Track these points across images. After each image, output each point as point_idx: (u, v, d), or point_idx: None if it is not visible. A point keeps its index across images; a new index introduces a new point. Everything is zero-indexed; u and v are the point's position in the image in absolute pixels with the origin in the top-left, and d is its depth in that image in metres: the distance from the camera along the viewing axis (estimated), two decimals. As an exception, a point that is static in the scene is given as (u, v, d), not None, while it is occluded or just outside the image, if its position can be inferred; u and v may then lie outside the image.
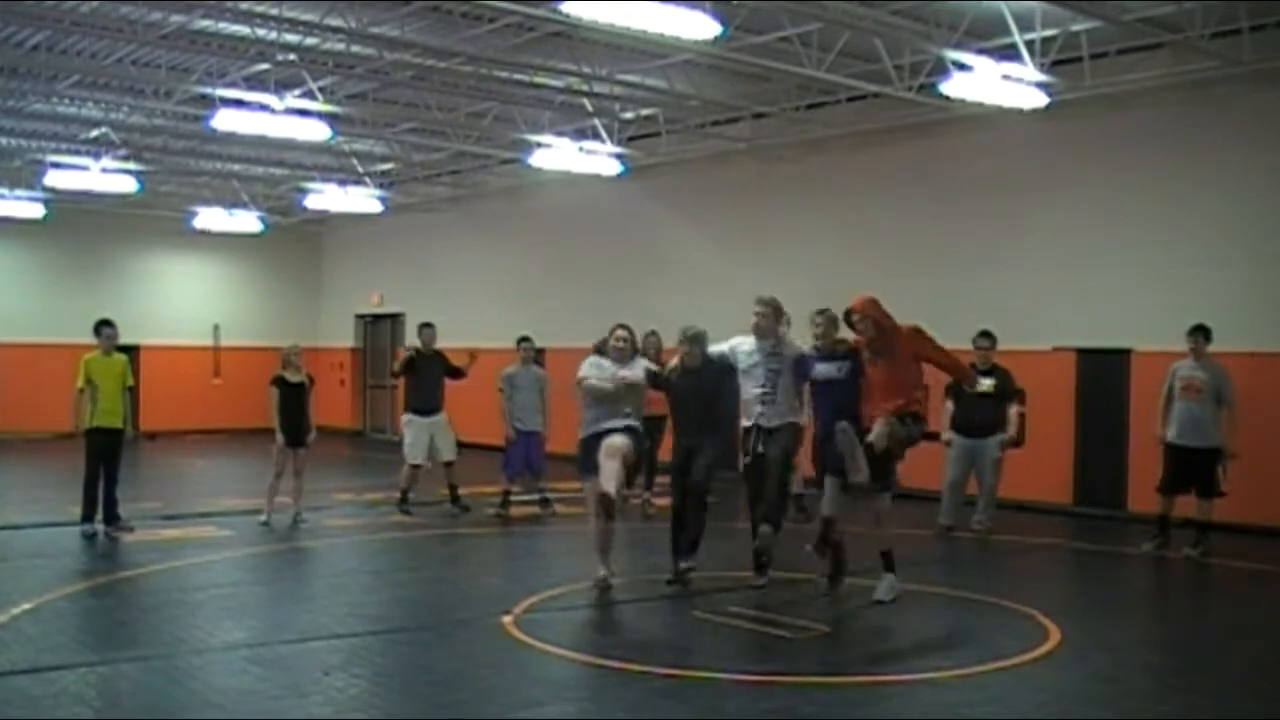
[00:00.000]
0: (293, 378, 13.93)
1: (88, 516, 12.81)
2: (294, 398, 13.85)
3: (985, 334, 13.61)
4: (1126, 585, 11.66)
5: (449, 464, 14.83)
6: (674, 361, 10.70)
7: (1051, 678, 7.81)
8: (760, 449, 10.00)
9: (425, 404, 14.77)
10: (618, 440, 9.81)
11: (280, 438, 13.76)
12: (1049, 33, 13.19)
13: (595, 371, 10.49)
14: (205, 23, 14.06)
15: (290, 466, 13.85)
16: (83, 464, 12.89)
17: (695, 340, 10.48)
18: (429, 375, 14.87)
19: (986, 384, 13.16)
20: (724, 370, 10.31)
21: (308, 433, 13.94)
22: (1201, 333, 12.48)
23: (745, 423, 10.18)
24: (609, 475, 9.55)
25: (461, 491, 15.10)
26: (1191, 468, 12.28)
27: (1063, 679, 7.77)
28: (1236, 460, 12.31)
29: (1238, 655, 8.63)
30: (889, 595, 9.63)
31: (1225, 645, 8.97)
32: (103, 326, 13.06)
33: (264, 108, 15.94)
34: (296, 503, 13.91)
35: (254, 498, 14.48)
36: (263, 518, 13.66)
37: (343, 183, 23.48)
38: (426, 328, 15.26)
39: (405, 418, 15.02)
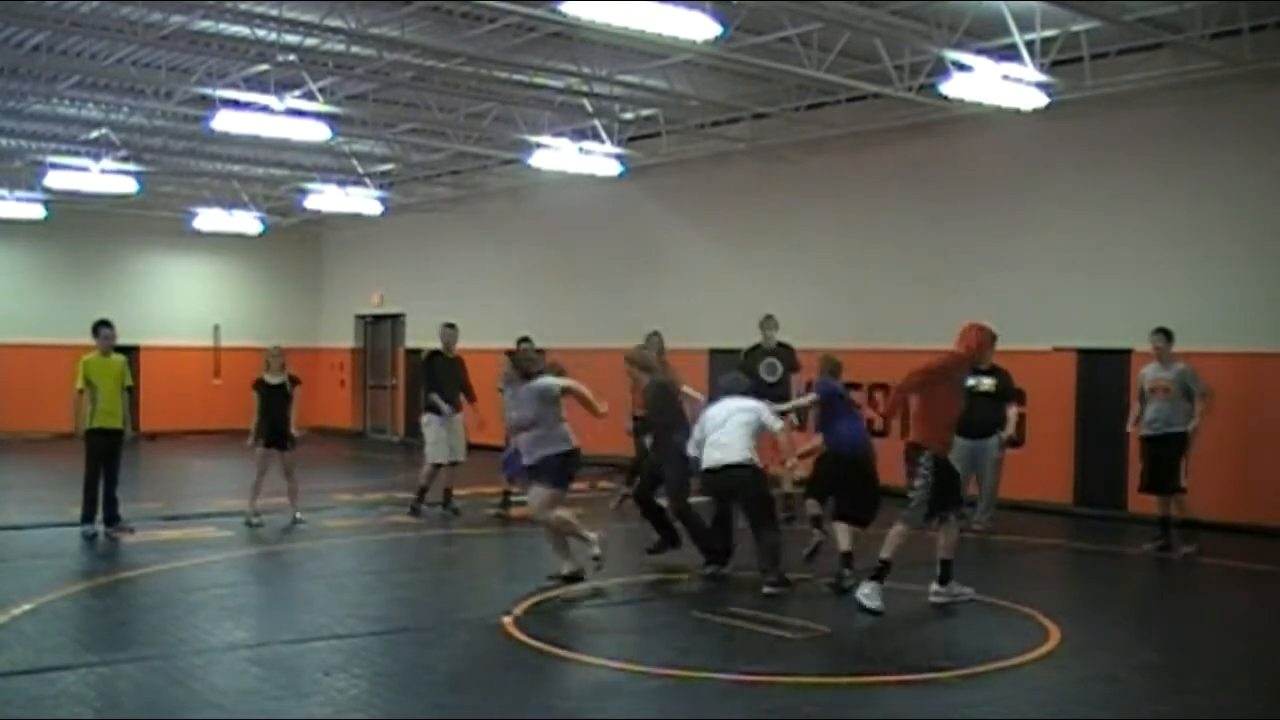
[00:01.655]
0: (273, 379, 13.91)
1: (88, 517, 12.81)
2: (275, 399, 13.83)
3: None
4: (1127, 585, 11.67)
5: (455, 464, 14.83)
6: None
7: (1052, 678, 7.82)
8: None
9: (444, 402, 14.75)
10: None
11: (257, 439, 13.73)
12: (1049, 33, 13.19)
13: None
14: (205, 23, 14.06)
15: (278, 468, 13.81)
16: (82, 465, 12.89)
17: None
18: (448, 375, 14.84)
19: (987, 384, 13.05)
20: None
21: (289, 435, 13.89)
22: (1163, 334, 12.61)
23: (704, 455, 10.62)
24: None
25: (463, 492, 15.12)
26: (1160, 460, 12.39)
27: (1063, 679, 7.78)
28: (1198, 452, 12.50)
29: (1237, 655, 8.64)
30: (948, 598, 9.77)
31: (1225, 645, 8.97)
32: (101, 327, 13.07)
33: (264, 108, 15.94)
34: (292, 504, 13.88)
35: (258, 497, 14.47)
36: (246, 518, 13.62)
37: (343, 183, 23.47)
38: (449, 328, 15.19)
39: (425, 418, 14.96)
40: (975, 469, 13.51)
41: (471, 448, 15.26)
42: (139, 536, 12.79)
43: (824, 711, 7.00)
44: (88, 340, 13.06)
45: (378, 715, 6.89)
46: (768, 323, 14.64)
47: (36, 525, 13.43)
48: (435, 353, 15.16)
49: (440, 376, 14.85)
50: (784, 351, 14.53)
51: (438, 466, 14.75)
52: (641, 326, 15.57)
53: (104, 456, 12.88)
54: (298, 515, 13.82)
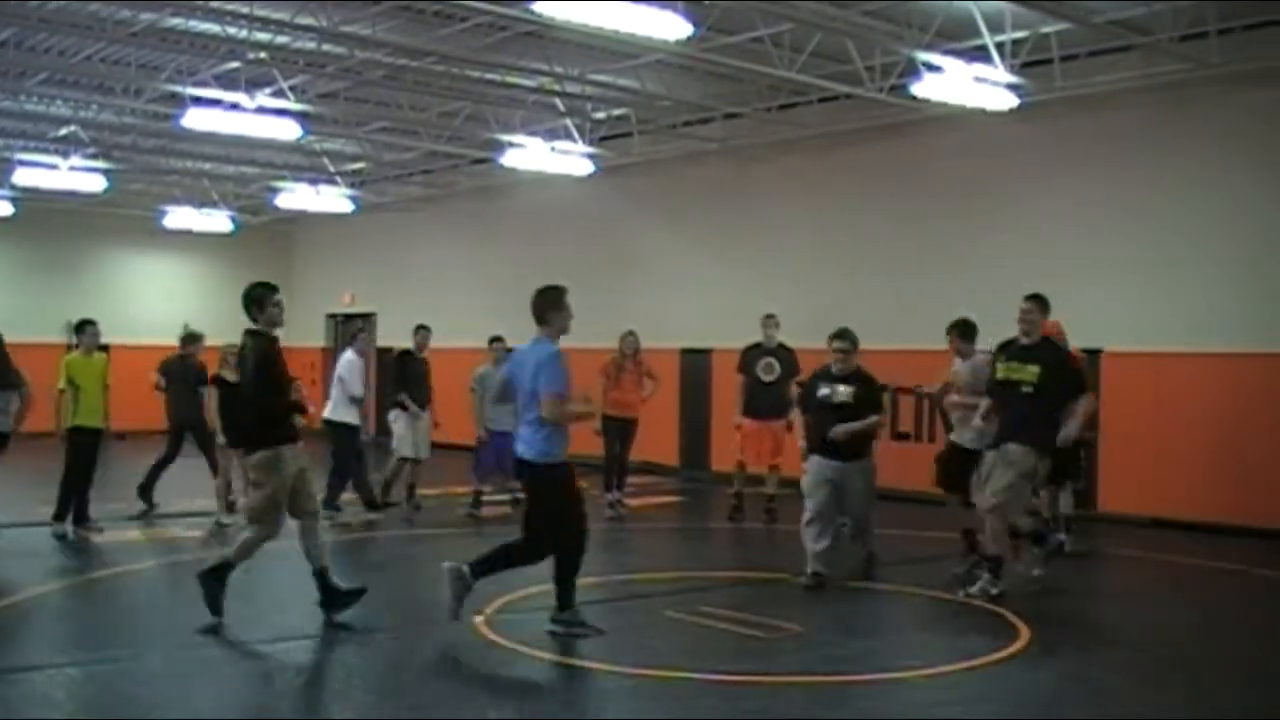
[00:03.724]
0: (231, 377, 13.81)
1: (60, 516, 12.73)
2: (233, 398, 13.73)
3: (842, 333, 10.92)
4: (1097, 584, 11.73)
5: (418, 462, 14.86)
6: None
7: (1022, 677, 7.86)
8: None
9: (415, 401, 14.77)
10: None
11: (221, 438, 13.63)
12: (1019, 34, 13.26)
13: None
14: (175, 20, 14.00)
15: (236, 466, 13.73)
16: (54, 463, 12.82)
17: None
18: (419, 375, 14.89)
19: (843, 393, 10.57)
20: None
21: None
22: (955, 329, 11.13)
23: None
24: None
25: (434, 492, 15.11)
26: (966, 470, 10.80)
27: (1033, 678, 7.82)
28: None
29: (1209, 654, 8.69)
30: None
31: (1196, 644, 9.02)
32: (86, 325, 13.04)
33: (235, 106, 15.88)
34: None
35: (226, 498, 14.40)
36: (217, 519, 13.54)
37: (314, 182, 23.40)
38: (422, 329, 15.26)
39: (394, 414, 15.01)
40: (840, 496, 10.61)
41: (444, 447, 15.26)
42: (108, 536, 12.71)
43: (796, 711, 7.02)
44: (58, 338, 13.00)
45: (350, 715, 6.88)
46: (768, 322, 14.55)
47: (5, 525, 13.30)
48: (407, 353, 15.21)
49: (412, 377, 14.91)
50: (783, 353, 14.42)
51: (404, 461, 14.81)
52: (614, 326, 15.56)
53: (85, 455, 12.83)
54: None
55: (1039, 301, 10.11)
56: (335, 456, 14.39)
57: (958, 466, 10.89)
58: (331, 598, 8.85)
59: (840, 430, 10.33)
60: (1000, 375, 9.97)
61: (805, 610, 9.55)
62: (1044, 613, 9.60)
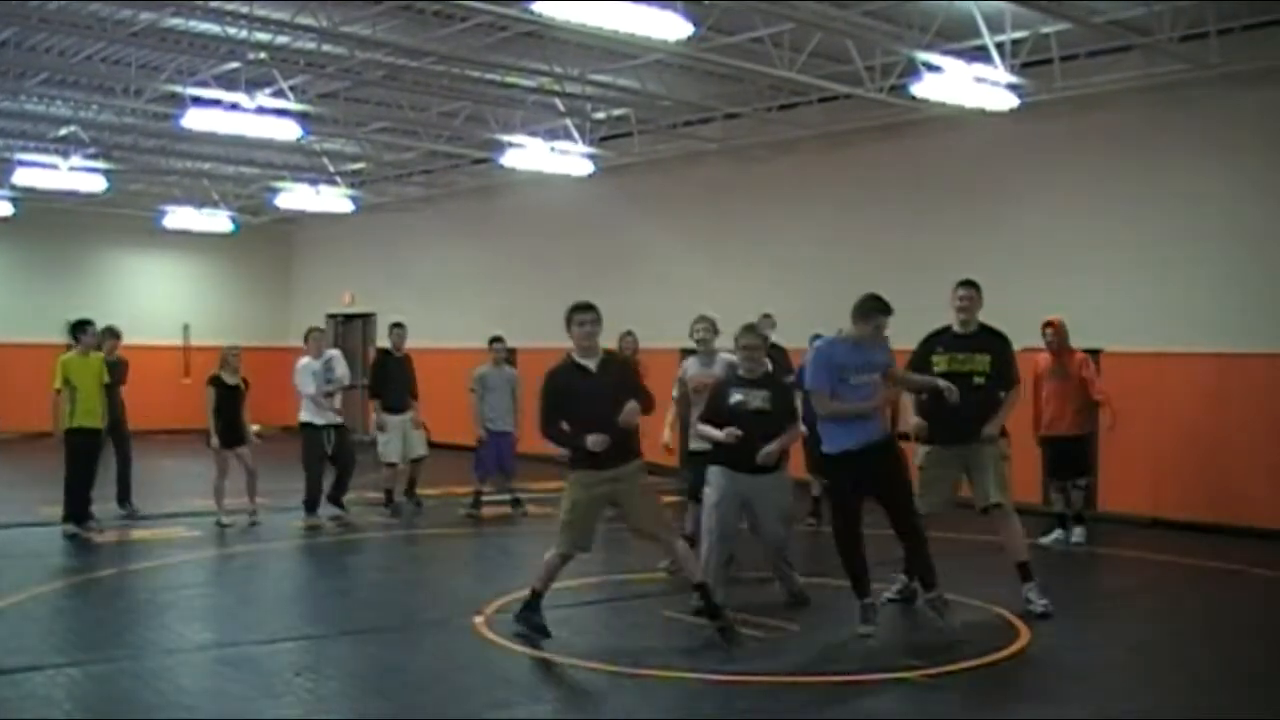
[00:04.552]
0: (230, 379, 13.85)
1: (68, 517, 12.76)
2: (231, 399, 13.76)
3: (749, 328, 9.73)
4: (1097, 584, 11.74)
5: (418, 460, 14.87)
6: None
7: (1021, 677, 7.86)
8: None
9: (396, 403, 14.77)
10: None
11: (215, 439, 13.63)
12: (1019, 35, 13.26)
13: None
14: (175, 21, 13.99)
15: (235, 467, 13.75)
16: (55, 463, 12.85)
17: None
18: (399, 375, 14.87)
19: (758, 400, 9.29)
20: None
21: (245, 435, 13.84)
22: (707, 322, 10.92)
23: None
24: None
25: (434, 492, 15.11)
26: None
27: (1032, 678, 7.83)
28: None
29: (1207, 653, 8.70)
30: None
31: (1194, 643, 9.03)
32: (85, 325, 13.06)
33: (234, 106, 15.87)
34: (252, 502, 13.80)
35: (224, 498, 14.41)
36: (217, 519, 13.56)
37: (314, 182, 23.38)
38: (397, 327, 15.27)
39: (378, 418, 15.02)
40: (749, 516, 9.55)
41: (443, 447, 15.25)
42: (108, 536, 12.74)
43: (794, 711, 7.03)
44: (58, 339, 13.02)
45: (348, 716, 6.88)
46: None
47: (5, 525, 13.33)
48: (384, 352, 15.23)
49: (387, 377, 14.86)
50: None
51: (392, 465, 14.80)
52: (614, 326, 15.51)
53: (85, 456, 12.85)
54: (255, 516, 13.72)
55: (977, 288, 9.98)
56: (303, 458, 14.13)
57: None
58: (712, 611, 8.53)
59: (769, 452, 9.12)
60: (943, 369, 9.60)
61: (805, 610, 9.55)
62: (1044, 613, 9.60)
